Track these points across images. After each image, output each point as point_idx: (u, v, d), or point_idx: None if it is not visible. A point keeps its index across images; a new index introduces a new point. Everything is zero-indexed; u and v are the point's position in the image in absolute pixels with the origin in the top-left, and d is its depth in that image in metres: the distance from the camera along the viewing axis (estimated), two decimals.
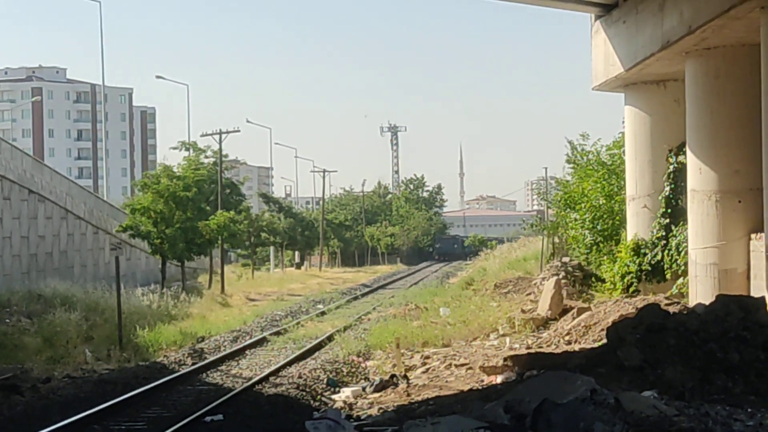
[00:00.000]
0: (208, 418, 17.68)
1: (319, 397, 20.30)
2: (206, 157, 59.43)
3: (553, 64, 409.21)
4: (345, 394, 19.99)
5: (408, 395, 18.61)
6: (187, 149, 58.26)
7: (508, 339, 25.82)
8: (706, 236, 25.33)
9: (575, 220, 38.52)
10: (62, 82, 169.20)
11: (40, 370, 24.28)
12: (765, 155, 21.95)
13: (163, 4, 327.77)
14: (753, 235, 24.17)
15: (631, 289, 30.19)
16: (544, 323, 27.70)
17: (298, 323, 35.74)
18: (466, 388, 18.49)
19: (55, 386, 21.90)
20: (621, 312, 23.36)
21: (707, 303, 17.70)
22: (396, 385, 20.17)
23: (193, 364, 25.70)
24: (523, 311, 29.76)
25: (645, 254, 29.98)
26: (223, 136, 58.47)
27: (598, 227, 36.34)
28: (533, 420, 11.21)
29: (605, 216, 36.18)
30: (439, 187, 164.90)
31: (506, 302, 34.52)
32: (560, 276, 32.81)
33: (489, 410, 12.58)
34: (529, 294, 35.47)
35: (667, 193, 29.45)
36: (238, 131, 59.90)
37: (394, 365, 22.77)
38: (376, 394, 19.69)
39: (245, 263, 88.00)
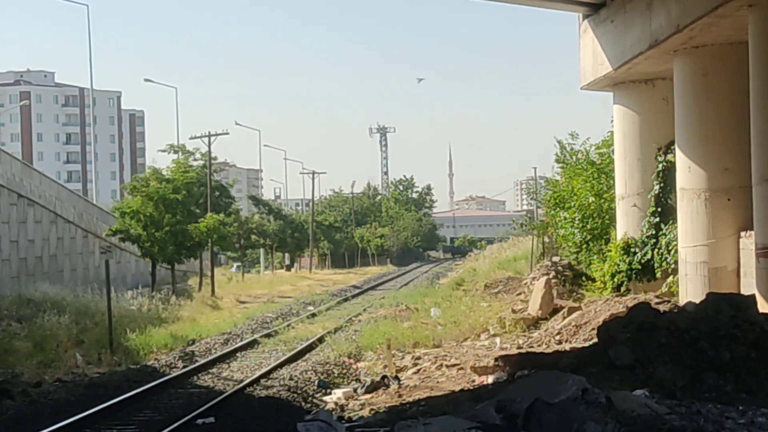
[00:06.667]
0: (199, 421, 17.64)
1: (310, 398, 20.27)
2: (195, 159, 59.45)
3: (542, 64, 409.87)
4: (336, 395, 19.96)
5: (399, 396, 18.59)
6: (176, 152, 58.15)
7: (498, 339, 25.80)
8: (696, 234, 25.36)
9: (565, 219, 38.50)
10: (50, 86, 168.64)
11: (30, 374, 24.21)
12: (754, 153, 22.00)
13: (151, 8, 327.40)
14: (743, 233, 24.21)
15: (621, 288, 30.20)
16: (535, 323, 27.71)
17: (288, 325, 35.66)
18: (457, 388, 18.48)
19: (46, 390, 21.83)
20: (611, 311, 23.39)
21: (697, 301, 17.73)
22: (387, 386, 20.14)
23: (184, 367, 25.63)
24: (513, 311, 29.76)
25: (635, 253, 30.00)
26: (212, 138, 58.54)
27: (588, 226, 36.33)
28: (525, 420, 11.21)
29: (595, 215, 36.17)
30: (429, 187, 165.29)
31: (497, 302, 34.51)
32: (550, 275, 32.83)
33: (480, 410, 12.57)
34: (520, 294, 35.46)
35: (656, 192, 29.48)
36: (227, 134, 60.08)
37: (385, 366, 22.75)
38: (368, 396, 19.66)
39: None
